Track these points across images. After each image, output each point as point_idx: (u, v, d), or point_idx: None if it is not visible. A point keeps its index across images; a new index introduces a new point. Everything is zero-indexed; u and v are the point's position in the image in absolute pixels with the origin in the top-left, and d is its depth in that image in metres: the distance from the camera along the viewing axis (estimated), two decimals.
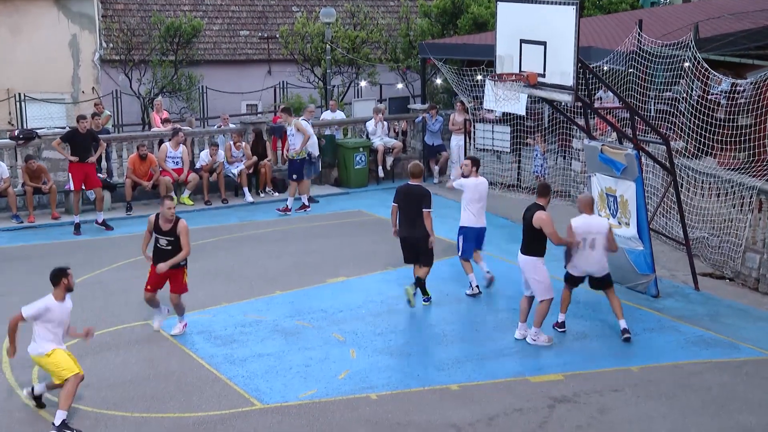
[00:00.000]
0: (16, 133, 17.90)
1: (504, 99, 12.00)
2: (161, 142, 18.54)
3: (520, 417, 8.77)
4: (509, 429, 8.54)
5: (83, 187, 16.06)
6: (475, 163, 12.92)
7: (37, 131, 17.83)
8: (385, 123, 20.38)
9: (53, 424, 8.33)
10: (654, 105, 16.24)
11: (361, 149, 19.73)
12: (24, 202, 16.61)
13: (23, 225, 16.12)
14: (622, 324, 10.76)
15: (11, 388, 9.37)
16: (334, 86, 26.88)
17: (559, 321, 11.08)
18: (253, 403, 9.01)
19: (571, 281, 11.12)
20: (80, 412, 8.77)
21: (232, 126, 20.05)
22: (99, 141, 16.28)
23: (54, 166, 17.18)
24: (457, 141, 19.90)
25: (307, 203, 17.60)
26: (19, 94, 26.30)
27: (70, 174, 16.08)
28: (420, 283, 11.96)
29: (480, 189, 12.57)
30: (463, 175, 12.74)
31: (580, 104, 12.81)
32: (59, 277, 8.64)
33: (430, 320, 11.39)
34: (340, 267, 13.68)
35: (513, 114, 16.62)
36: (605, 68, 15.62)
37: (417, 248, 11.86)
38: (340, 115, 21.56)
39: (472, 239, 12.59)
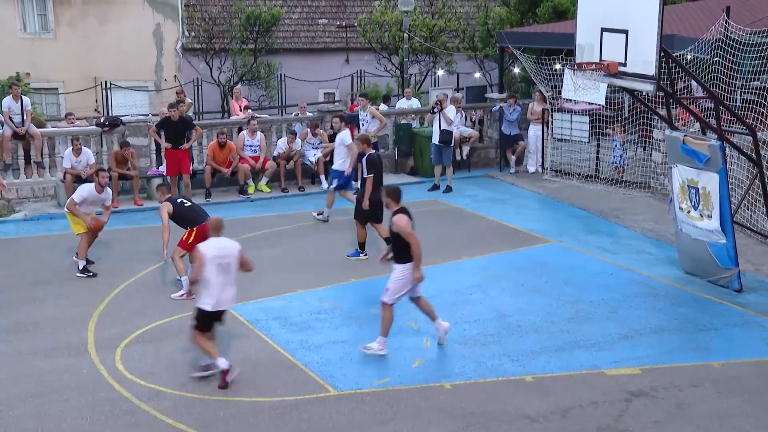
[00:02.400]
0: (102, 120, 18.32)
1: (583, 88, 11.82)
2: (240, 129, 18.81)
3: (595, 410, 8.65)
4: (584, 422, 8.43)
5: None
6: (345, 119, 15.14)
7: (122, 118, 18.26)
8: (461, 112, 20.28)
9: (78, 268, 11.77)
10: (740, 95, 15.75)
11: None
12: (109, 187, 17.01)
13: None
14: None
15: (97, 368, 9.64)
16: (411, 75, 26.87)
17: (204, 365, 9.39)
18: (328, 390, 9.09)
19: (205, 321, 9.17)
20: (161, 394, 8.98)
21: (309, 114, 20.21)
22: (195, 127, 16.71)
23: (138, 153, 17.57)
24: (534, 131, 19.69)
25: None
26: (106, 82, 27.02)
27: (165, 160, 16.55)
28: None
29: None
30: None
31: (662, 94, 12.51)
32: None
33: (505, 310, 11.31)
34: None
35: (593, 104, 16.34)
36: (689, 57, 15.21)
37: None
38: (415, 103, 21.53)
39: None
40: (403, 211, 9.95)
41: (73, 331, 10.61)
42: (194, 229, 11.72)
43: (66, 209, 12.85)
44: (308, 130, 18.79)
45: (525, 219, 16.01)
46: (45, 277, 12.67)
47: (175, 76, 28.43)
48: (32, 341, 10.24)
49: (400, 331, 10.61)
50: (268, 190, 18.16)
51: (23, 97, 17.71)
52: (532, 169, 19.85)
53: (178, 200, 12.07)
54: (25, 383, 9.26)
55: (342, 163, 15.22)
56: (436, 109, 17.88)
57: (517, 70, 24.04)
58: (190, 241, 11.59)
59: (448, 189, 18.06)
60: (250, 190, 18.01)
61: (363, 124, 17.85)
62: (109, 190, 12.91)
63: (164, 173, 17.08)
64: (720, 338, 10.47)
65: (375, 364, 9.67)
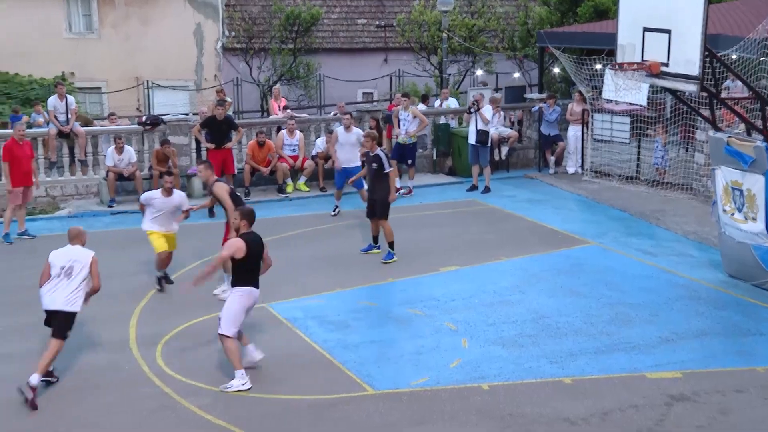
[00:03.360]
0: (144, 119, 18.55)
1: (624, 89, 11.70)
2: (279, 129, 18.89)
3: (635, 414, 8.55)
4: (624, 425, 8.34)
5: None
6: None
7: (163, 117, 18.44)
8: (500, 112, 20.18)
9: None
10: None
11: None
12: (150, 185, 17.20)
13: None
14: None
15: (138, 364, 9.74)
16: (449, 75, 26.79)
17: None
18: (365, 389, 9.09)
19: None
20: (200, 390, 9.05)
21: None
22: (238, 128, 16.77)
23: (178, 152, 17.70)
24: (574, 131, 19.53)
25: (411, 188, 17.89)
26: (147, 82, 27.33)
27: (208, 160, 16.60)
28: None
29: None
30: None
31: (705, 94, 12.33)
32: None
33: (544, 312, 11.23)
34: (452, 256, 13.64)
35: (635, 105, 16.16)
36: (734, 57, 14.97)
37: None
38: (453, 103, 21.46)
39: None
40: (247, 236, 9.11)
41: (115, 327, 10.74)
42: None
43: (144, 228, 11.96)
44: (342, 127, 18.79)
45: (564, 220, 15.88)
46: None
47: (215, 75, 28.66)
48: (75, 337, 10.30)
49: (437, 331, 10.58)
50: (307, 189, 18.23)
51: (68, 96, 18.01)
52: (571, 170, 19.69)
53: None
54: (68, 378, 9.38)
55: (356, 161, 15.83)
56: (473, 109, 17.83)
57: (556, 70, 23.86)
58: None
59: (487, 189, 17.99)
60: (289, 189, 18.09)
61: (404, 124, 17.84)
62: (181, 193, 12.17)
63: None
64: (765, 343, 10.29)
65: (412, 364, 9.66)
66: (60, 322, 9.05)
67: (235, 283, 9.13)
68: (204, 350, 9.98)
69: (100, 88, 27.86)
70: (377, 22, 30.39)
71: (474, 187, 18.20)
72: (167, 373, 9.43)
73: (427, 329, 10.66)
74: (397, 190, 17.84)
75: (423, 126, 18.19)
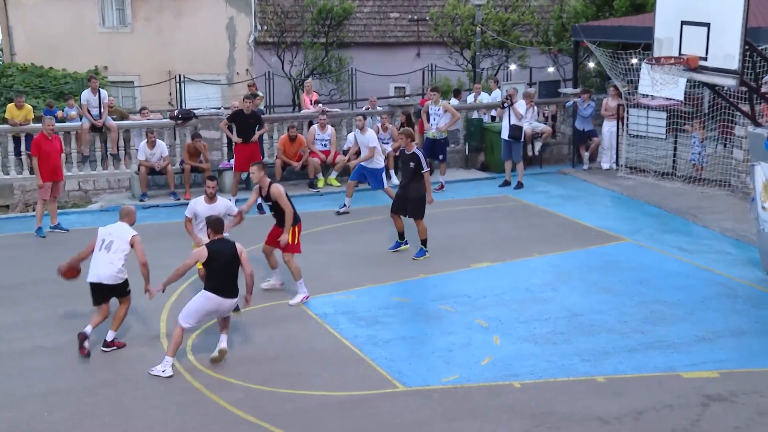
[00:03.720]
0: (176, 113, 18.68)
1: (661, 83, 11.57)
2: (311, 123, 18.92)
3: (670, 413, 8.45)
4: (658, 425, 8.25)
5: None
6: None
7: (194, 111, 18.55)
8: (534, 107, 20.05)
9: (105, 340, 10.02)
10: None
11: None
12: (181, 179, 17.33)
13: (180, 202, 16.80)
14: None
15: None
16: (483, 69, 26.69)
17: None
18: (396, 386, 9.08)
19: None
20: (230, 385, 9.10)
21: (379, 109, 20.22)
22: (262, 123, 16.74)
23: (209, 146, 17.81)
24: (609, 127, 19.36)
25: (443, 183, 17.78)
26: (179, 76, 27.50)
27: (234, 154, 16.63)
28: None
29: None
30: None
31: (744, 89, 12.16)
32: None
33: (576, 309, 11.14)
34: (484, 252, 13.59)
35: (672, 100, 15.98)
36: None
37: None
38: (485, 98, 21.37)
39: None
40: (212, 244, 9.48)
41: (146, 321, 10.82)
42: (299, 225, 11.44)
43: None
44: (379, 125, 18.81)
45: (598, 216, 15.76)
46: None
47: (247, 69, 28.78)
48: (106, 331, 10.44)
49: (468, 328, 10.54)
50: (338, 184, 18.24)
51: (101, 90, 18.15)
52: (605, 166, 19.53)
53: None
54: (100, 371, 9.47)
55: (373, 162, 15.66)
56: (506, 104, 17.73)
57: (591, 64, 23.67)
58: (297, 240, 11.36)
59: (519, 185, 17.89)
60: (320, 184, 18.13)
61: (434, 119, 17.79)
62: (225, 200, 11.63)
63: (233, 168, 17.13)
64: None
65: (443, 361, 9.63)
66: (111, 292, 9.95)
67: (204, 286, 9.55)
68: (235, 345, 10.03)
69: (132, 82, 28.10)
70: (410, 16, 30.33)
71: (506, 183, 18.11)
72: (197, 368, 9.49)
73: (459, 326, 10.63)
74: (441, 187, 17.87)
75: (454, 120, 18.12)
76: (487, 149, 19.85)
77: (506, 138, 17.85)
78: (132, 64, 27.73)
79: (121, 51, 27.63)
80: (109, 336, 9.99)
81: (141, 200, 16.92)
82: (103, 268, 9.81)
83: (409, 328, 10.60)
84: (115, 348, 10.00)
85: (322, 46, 28.10)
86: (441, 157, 17.86)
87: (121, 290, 9.99)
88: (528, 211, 16.30)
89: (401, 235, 13.64)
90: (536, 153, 19.96)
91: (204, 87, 27.86)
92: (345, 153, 18.48)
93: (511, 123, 17.65)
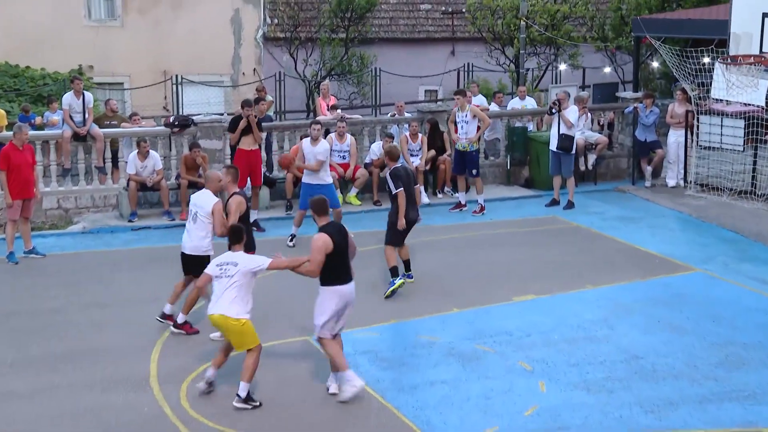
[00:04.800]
0: (171, 119, 18.76)
1: (738, 86, 11.55)
2: (327, 132, 19.01)
3: None
4: None
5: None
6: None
7: (193, 118, 18.67)
8: (587, 114, 20.04)
9: (237, 395, 9.60)
10: None
11: None
12: (177, 197, 17.44)
13: (175, 222, 16.90)
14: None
15: (160, 406, 9.84)
16: (527, 70, 26.74)
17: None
18: None
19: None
20: None
21: (407, 115, 20.29)
22: (261, 129, 16.83)
23: (210, 157, 17.89)
24: (675, 137, 19.31)
25: (483, 203, 17.75)
26: (176, 76, 27.66)
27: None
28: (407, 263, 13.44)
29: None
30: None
31: None
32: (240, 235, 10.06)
33: (637, 351, 11.08)
34: (529, 282, 13.56)
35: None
36: None
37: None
38: (531, 103, 21.40)
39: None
40: (327, 228, 9.89)
41: (135, 361, 10.87)
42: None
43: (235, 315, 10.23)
44: (407, 134, 18.86)
45: (662, 241, 15.69)
46: (104, 299, 13.03)
47: (254, 69, 29.04)
48: (89, 372, 10.52)
49: (509, 372, 10.51)
50: (358, 202, 18.30)
51: (85, 93, 18.26)
52: (671, 183, 19.46)
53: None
54: (80, 421, 9.51)
55: (319, 177, 15.44)
56: (554, 110, 17.72)
57: (655, 64, 23.67)
58: None
59: (570, 204, 17.86)
60: None
61: (462, 127, 17.72)
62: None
63: None
64: None
65: (480, 410, 9.60)
66: (188, 264, 11.50)
67: (325, 281, 9.95)
68: (236, 390, 10.03)
69: (122, 83, 28.39)
70: (443, 8, 30.49)
71: (555, 202, 18.08)
72: (193, 417, 9.51)
73: (498, 369, 10.60)
74: (461, 206, 17.90)
75: (485, 127, 18.04)
76: (532, 162, 19.85)
77: (555, 150, 17.84)
78: (122, 63, 28.00)
79: (110, 48, 27.92)
80: (180, 318, 11.54)
81: (130, 220, 17.02)
82: (187, 238, 11.52)
83: (439, 371, 10.58)
84: (183, 333, 11.50)
85: (341, 43, 28.30)
86: (474, 172, 17.78)
87: (196, 265, 11.06)
88: (580, 234, 16.24)
89: (406, 265, 13.51)
90: (590, 167, 19.93)
91: (205, 89, 28.09)
92: (367, 167, 18.55)
93: (561, 132, 17.64)
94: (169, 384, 10.23)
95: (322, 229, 9.85)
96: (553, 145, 17.85)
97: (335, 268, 9.77)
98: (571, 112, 17.83)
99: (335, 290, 9.80)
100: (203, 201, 11.46)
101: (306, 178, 15.58)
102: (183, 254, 11.64)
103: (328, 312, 9.81)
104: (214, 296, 9.72)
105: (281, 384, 10.26)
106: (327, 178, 15.64)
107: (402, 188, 12.99)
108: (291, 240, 15.55)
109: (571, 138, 17.75)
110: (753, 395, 9.95)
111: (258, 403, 9.58)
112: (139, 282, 13.58)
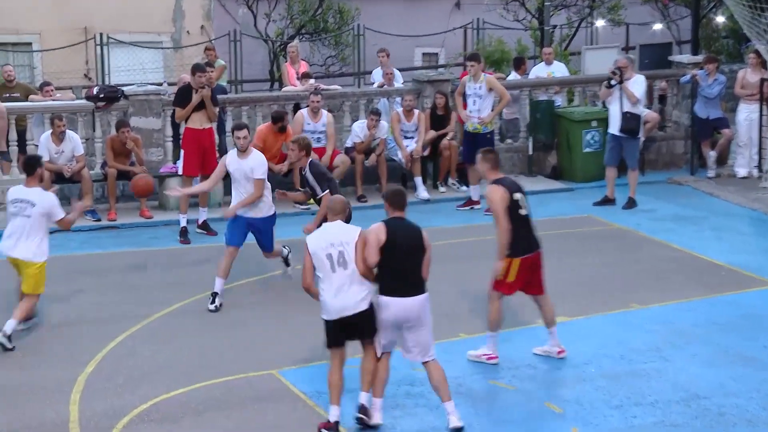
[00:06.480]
0: (95, 91, 18.70)
1: None
2: (297, 107, 19.01)
3: None
4: None
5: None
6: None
7: (123, 89, 18.63)
8: None
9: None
10: None
11: (594, 123, 19.51)
12: (103, 190, 17.40)
13: (101, 224, 16.88)
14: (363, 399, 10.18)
15: None
16: (554, 27, 26.78)
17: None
18: None
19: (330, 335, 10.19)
20: None
21: (399, 85, 20.29)
22: (216, 103, 16.84)
23: (145, 140, 17.89)
24: (747, 113, 19.39)
25: (475, 198, 17.97)
26: (100, 35, 27.55)
27: (182, 151, 16.68)
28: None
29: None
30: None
31: None
32: (34, 167, 12.35)
33: (698, 389, 11.11)
34: (557, 300, 13.50)
35: None
36: None
37: None
38: (559, 69, 21.41)
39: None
40: (391, 221, 10.20)
41: (49, 403, 10.81)
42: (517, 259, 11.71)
43: (37, 260, 12.43)
44: (399, 110, 18.86)
45: (730, 248, 15.73)
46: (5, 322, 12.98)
47: (202, 26, 29.02)
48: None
49: (533, 416, 10.53)
50: None
51: None
52: (742, 172, 19.53)
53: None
54: None
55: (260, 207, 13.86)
56: (614, 81, 17.65)
57: (720, 18, 23.74)
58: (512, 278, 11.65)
59: (631, 203, 17.87)
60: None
61: (474, 102, 17.73)
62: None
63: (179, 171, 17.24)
64: None
65: None
66: (358, 327, 10.04)
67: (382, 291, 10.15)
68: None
69: (30, 44, 28.27)
70: None
71: (608, 201, 18.03)
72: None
73: (519, 411, 10.63)
74: (474, 203, 17.93)
75: (504, 104, 18.08)
76: (561, 147, 19.89)
77: (616, 133, 17.77)
78: (29, 18, 27.85)
79: None
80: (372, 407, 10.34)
81: None
82: (348, 294, 9.94)
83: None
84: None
85: None
86: None
87: (367, 323, 10.07)
88: (623, 239, 16.27)
89: None
90: None
91: (138, 52, 28.02)
92: (348, 152, 18.55)
93: (624, 110, 17.56)
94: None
95: (387, 221, 10.14)
96: (614, 128, 17.79)
97: (389, 274, 9.97)
98: (637, 83, 17.71)
99: (386, 302, 9.98)
100: (348, 235, 10.05)
101: (239, 210, 13.78)
102: (351, 318, 10.01)
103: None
104: None
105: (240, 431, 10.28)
106: (269, 207, 13.89)
107: (329, 189, 13.32)
108: (213, 302, 13.42)
109: (638, 117, 17.68)
110: None
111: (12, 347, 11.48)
112: (53, 301, 13.54)
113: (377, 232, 9.96)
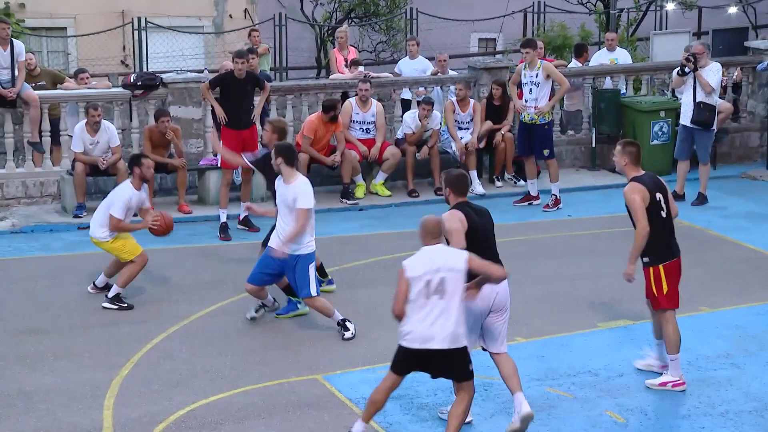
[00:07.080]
0: (132, 78, 18.75)
1: None
2: (345, 96, 19.02)
3: None
4: None
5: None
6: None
7: (162, 76, 18.71)
8: None
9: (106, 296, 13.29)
10: None
11: (662, 113, 19.40)
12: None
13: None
14: None
15: None
16: (621, 11, 26.64)
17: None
18: None
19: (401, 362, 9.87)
20: None
21: (452, 73, 20.26)
22: (263, 85, 16.82)
23: (185, 130, 17.96)
24: None
25: (558, 195, 17.87)
26: (138, 20, 27.63)
27: (221, 142, 16.56)
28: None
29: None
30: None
31: None
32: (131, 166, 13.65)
33: None
34: (621, 304, 13.54)
35: None
36: None
37: None
38: (623, 56, 21.29)
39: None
40: (461, 207, 10.32)
41: (82, 408, 10.89)
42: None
43: (100, 237, 13.65)
44: (453, 99, 18.85)
45: None
46: (41, 324, 13.08)
47: (245, 10, 29.10)
48: (19, 423, 10.57)
49: (594, 426, 10.51)
50: (387, 192, 18.34)
51: (15, 41, 18.19)
52: None
53: None
54: None
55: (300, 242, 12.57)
56: (688, 69, 17.55)
57: None
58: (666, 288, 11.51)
59: (702, 199, 17.76)
60: (359, 192, 18.20)
61: (530, 91, 17.64)
62: (145, 186, 13.90)
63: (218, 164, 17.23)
64: None
65: None
66: (450, 365, 9.73)
67: None
68: None
69: (65, 28, 28.41)
70: None
71: (676, 197, 17.91)
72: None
73: (578, 420, 10.60)
74: (532, 198, 17.90)
75: (562, 92, 18.00)
76: (626, 137, 19.77)
77: (688, 124, 17.69)
78: (64, 2, 28.00)
79: None
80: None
81: (76, 216, 17.07)
82: (440, 326, 9.53)
83: (497, 423, 10.58)
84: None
85: None
86: (546, 152, 17.76)
87: (460, 362, 9.73)
88: (692, 238, 16.19)
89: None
90: None
91: (177, 37, 28.09)
92: (398, 143, 18.56)
93: (698, 100, 17.47)
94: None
95: (456, 207, 10.23)
96: (686, 118, 17.71)
97: None
98: (712, 71, 17.62)
99: None
100: (452, 260, 9.59)
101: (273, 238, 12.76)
102: (437, 352, 9.62)
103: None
104: None
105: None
106: (309, 243, 12.59)
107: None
108: (256, 311, 13.14)
109: (713, 108, 17.59)
110: None
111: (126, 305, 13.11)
112: (87, 300, 13.65)
113: (459, 218, 10.04)
